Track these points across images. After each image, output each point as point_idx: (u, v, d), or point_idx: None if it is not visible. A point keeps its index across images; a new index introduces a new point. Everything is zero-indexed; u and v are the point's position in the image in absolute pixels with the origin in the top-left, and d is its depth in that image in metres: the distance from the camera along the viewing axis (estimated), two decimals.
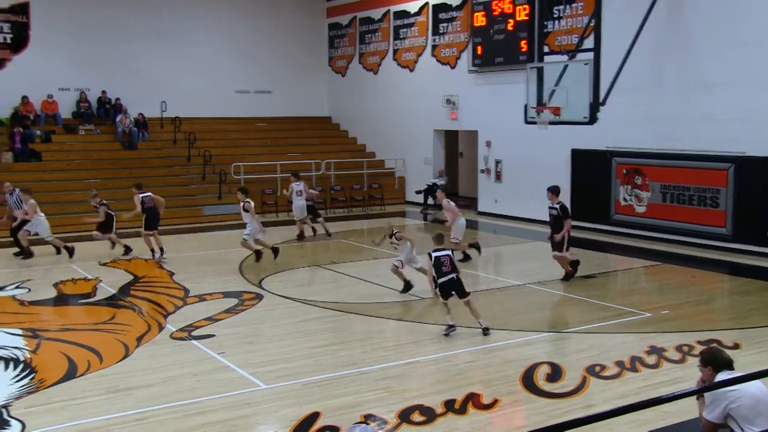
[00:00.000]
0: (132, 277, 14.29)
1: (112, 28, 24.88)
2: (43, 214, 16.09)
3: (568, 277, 13.66)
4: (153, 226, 15.91)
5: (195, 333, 10.62)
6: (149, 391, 8.45)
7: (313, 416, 7.58)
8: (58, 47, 24.16)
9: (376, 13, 26.65)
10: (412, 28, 25.20)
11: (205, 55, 26.45)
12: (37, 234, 16.04)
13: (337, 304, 12.16)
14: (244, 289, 13.29)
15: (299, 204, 18.05)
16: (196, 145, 24.48)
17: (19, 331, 10.71)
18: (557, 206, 13.54)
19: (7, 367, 9.19)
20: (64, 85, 24.53)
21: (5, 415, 7.71)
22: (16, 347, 9.94)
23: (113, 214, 16.25)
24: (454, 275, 10.51)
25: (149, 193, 16.14)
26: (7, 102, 23.40)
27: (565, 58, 18.28)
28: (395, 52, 25.95)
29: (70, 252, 16.01)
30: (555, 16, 19.79)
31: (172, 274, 14.60)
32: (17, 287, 13.52)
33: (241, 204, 15.50)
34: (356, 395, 8.25)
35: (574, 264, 13.73)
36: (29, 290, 13.34)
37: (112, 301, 12.53)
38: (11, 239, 16.54)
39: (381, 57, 26.62)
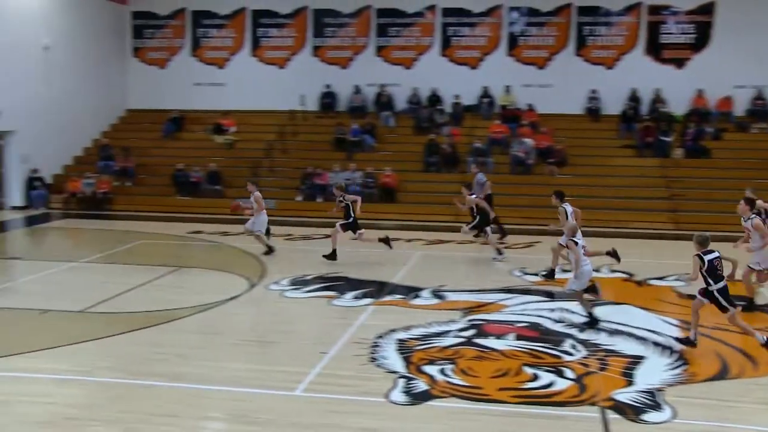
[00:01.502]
0: None
1: None
2: (264, 211, 15.80)
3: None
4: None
5: None
6: None
7: None
8: (739, 44, 24.01)
9: None
10: None
11: None
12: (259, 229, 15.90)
13: None
14: None
15: None
16: None
17: (676, 322, 11.12)
18: None
19: (663, 353, 9.67)
20: (741, 82, 24.28)
21: (658, 398, 8.13)
22: (672, 336, 10.35)
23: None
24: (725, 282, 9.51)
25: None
26: (684, 100, 24.35)
27: None
28: None
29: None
30: None
31: None
32: (676, 279, 13.99)
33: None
34: None
35: None
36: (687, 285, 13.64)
37: None
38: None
39: None
